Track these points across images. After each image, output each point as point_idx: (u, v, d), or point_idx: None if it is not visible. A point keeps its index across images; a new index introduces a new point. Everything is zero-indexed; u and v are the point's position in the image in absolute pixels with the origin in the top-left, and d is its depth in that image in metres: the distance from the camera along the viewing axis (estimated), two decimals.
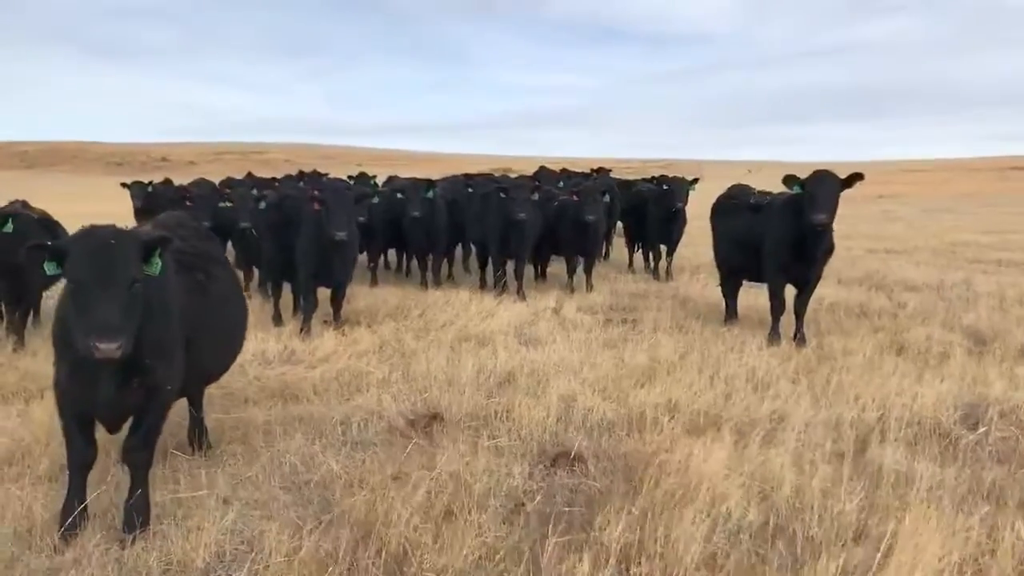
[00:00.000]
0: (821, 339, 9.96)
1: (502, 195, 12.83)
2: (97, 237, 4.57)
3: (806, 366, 8.68)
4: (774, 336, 9.85)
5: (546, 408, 7.13)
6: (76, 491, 5.20)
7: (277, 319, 11.51)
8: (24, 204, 11.08)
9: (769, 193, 10.76)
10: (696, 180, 15.17)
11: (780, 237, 9.69)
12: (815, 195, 9.16)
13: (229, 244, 13.80)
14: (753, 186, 11.55)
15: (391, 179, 21.33)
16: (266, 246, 11.77)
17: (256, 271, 14.00)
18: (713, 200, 11.83)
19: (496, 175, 22.94)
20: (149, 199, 18.69)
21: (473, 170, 25.74)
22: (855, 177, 9.26)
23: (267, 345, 9.64)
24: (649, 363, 8.55)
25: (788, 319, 10.16)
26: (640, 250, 17.23)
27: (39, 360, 9.12)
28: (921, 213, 36.12)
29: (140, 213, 18.70)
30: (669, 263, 15.65)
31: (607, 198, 13.92)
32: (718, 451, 5.84)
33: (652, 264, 16.04)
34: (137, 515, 5.10)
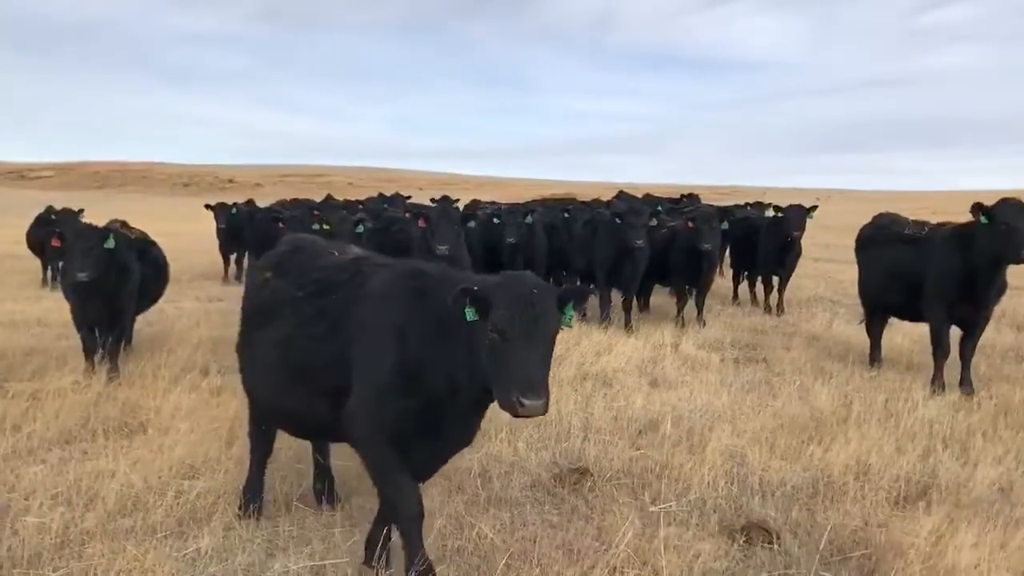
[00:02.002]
0: (989, 387, 8.91)
1: (617, 220, 11.99)
2: (526, 286, 4.15)
3: (992, 420, 7.63)
4: (938, 383, 8.81)
5: (711, 467, 6.24)
6: None
7: None
8: (123, 224, 10.58)
9: (924, 223, 9.76)
10: (815, 207, 14.14)
11: (946, 273, 8.68)
12: (1014, 227, 8.10)
13: None
14: (903, 215, 10.51)
15: (473, 203, 20.73)
16: None
17: None
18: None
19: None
20: (233, 220, 18.32)
21: (535, 195, 24.97)
22: None
23: None
24: (810, 414, 7.60)
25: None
26: (745, 281, 16.18)
27: (137, 390, 8.55)
28: None
29: (224, 234, 18.35)
30: (781, 296, 14.59)
31: (724, 225, 13.00)
32: (963, 534, 4.86)
33: (764, 297, 14.92)
34: None
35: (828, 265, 21.94)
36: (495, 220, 13.22)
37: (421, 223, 9.64)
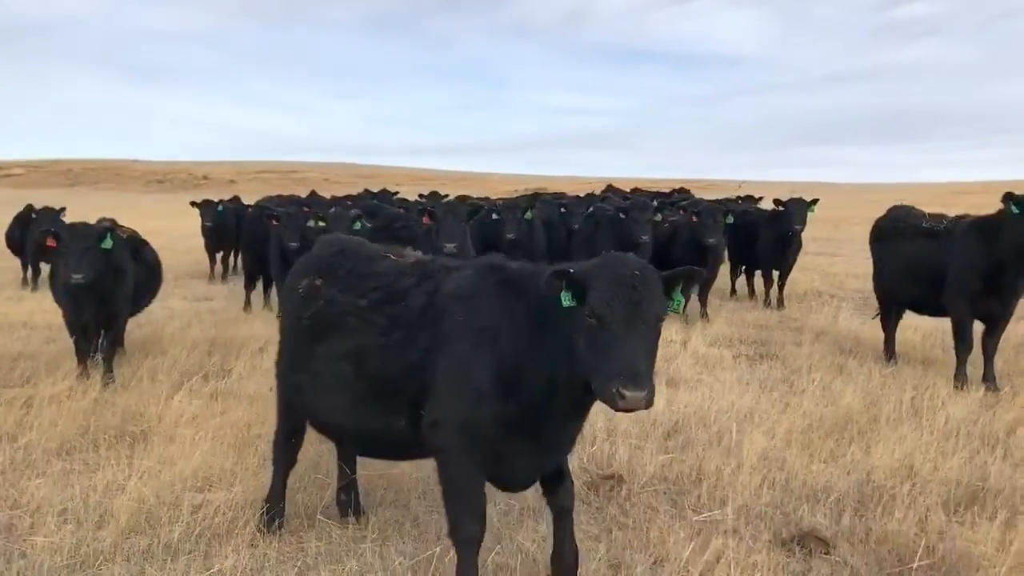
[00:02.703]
0: (1011, 381, 8.76)
1: (621, 215, 11.73)
2: (627, 266, 3.84)
3: None
4: (961, 379, 8.63)
5: (749, 471, 6.00)
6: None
7: None
8: (112, 222, 10.17)
9: (942, 215, 9.57)
10: (816, 200, 13.95)
11: (970, 266, 8.50)
12: None
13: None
14: (918, 207, 10.32)
15: (461, 199, 20.47)
16: None
17: None
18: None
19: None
20: (220, 218, 17.91)
21: (508, 190, 24.69)
22: None
23: None
24: (839, 412, 7.38)
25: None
26: (743, 275, 15.99)
27: (136, 396, 8.20)
28: None
29: (210, 232, 17.92)
30: (781, 291, 14.40)
31: (729, 219, 12.77)
32: None
33: (764, 291, 14.73)
34: None
35: (818, 258, 21.82)
36: (494, 216, 12.90)
37: (426, 220, 9.33)
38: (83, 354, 9.08)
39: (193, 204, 18.41)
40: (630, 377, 3.56)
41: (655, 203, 16.28)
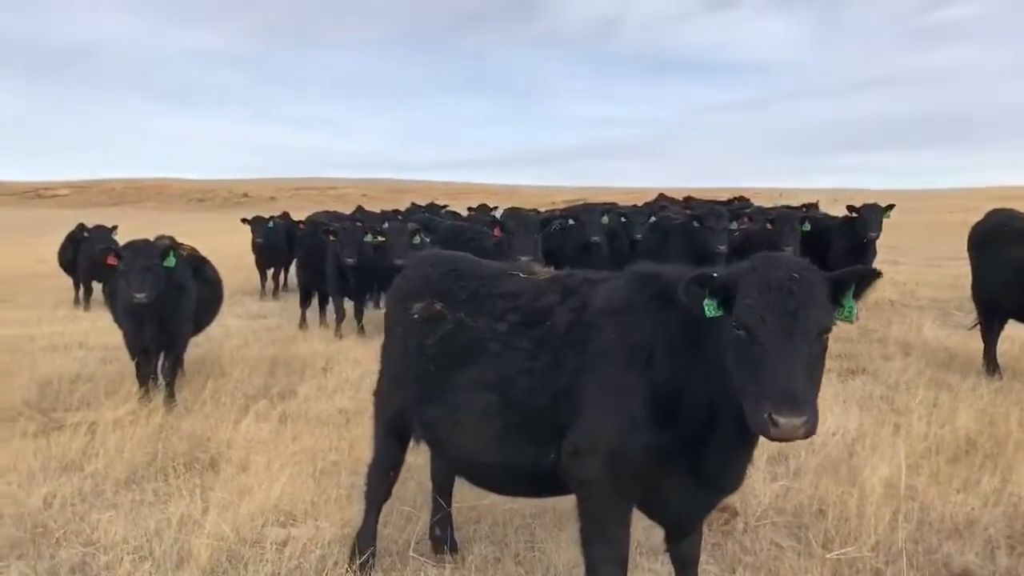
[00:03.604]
0: None
1: (695, 224, 11.22)
2: (782, 269, 3.31)
3: None
4: None
5: (876, 502, 5.45)
6: None
7: None
8: (171, 240, 9.88)
9: None
10: (892, 206, 13.33)
11: None
12: None
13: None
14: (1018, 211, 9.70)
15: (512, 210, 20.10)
16: None
17: None
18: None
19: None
20: (271, 235, 17.69)
21: (547, 201, 24.26)
22: None
23: None
24: (959, 435, 6.82)
25: None
26: None
27: (201, 420, 7.86)
28: None
29: (261, 249, 17.71)
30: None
31: (807, 227, 12.20)
32: None
33: None
34: None
35: (882, 266, 21.00)
36: (563, 224, 12.44)
37: (496, 232, 8.88)
38: (144, 376, 8.77)
39: (244, 221, 18.21)
40: (784, 400, 3.06)
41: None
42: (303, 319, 14.14)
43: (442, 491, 5.24)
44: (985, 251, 9.44)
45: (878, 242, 13.69)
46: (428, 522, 5.32)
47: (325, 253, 12.74)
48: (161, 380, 8.95)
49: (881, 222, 13.15)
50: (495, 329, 4.23)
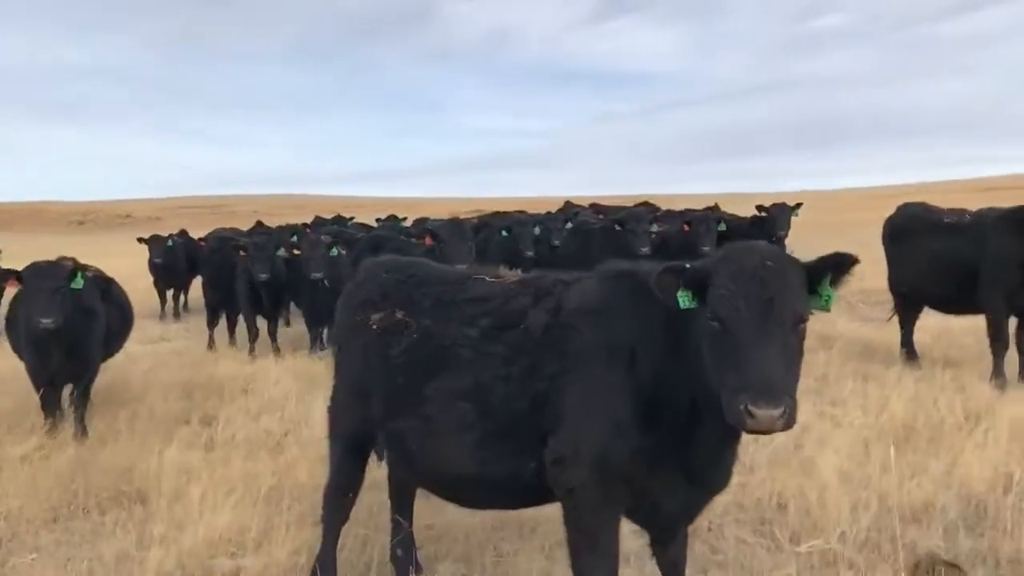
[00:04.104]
0: None
1: (617, 227, 11.24)
2: (755, 257, 3.22)
3: None
4: (998, 378, 8.31)
5: (834, 492, 5.48)
6: None
7: None
8: (73, 260, 9.25)
9: (964, 210, 9.31)
10: (799, 205, 13.70)
11: (1007, 259, 8.18)
12: None
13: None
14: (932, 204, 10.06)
15: (421, 220, 19.95)
16: None
17: (325, 332, 12.19)
18: None
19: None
20: (170, 254, 16.95)
21: (447, 212, 24.22)
22: None
23: None
24: (896, 423, 6.97)
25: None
26: None
27: (121, 451, 7.34)
28: None
29: (159, 269, 16.95)
30: None
31: (722, 227, 12.39)
32: None
33: None
34: None
35: None
36: (503, 233, 12.28)
37: (428, 241, 8.67)
38: (51, 408, 8.15)
39: (140, 240, 17.40)
40: (761, 391, 2.97)
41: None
42: (211, 340, 13.54)
43: (401, 509, 5.00)
44: (901, 243, 9.76)
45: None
46: (388, 544, 5.06)
47: (234, 270, 12.23)
48: (68, 411, 8.33)
49: (789, 221, 13.49)
50: (466, 335, 4.04)
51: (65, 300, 7.56)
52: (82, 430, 8.04)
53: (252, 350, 12.25)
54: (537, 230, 11.96)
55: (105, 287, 8.89)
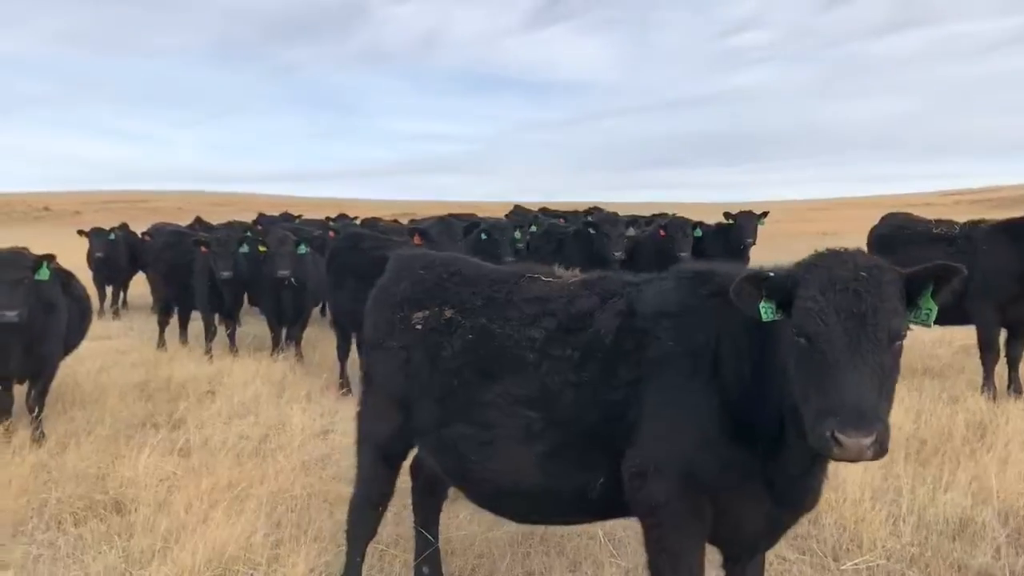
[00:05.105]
0: None
1: (591, 231, 11.01)
2: (849, 266, 2.93)
3: None
4: (989, 388, 8.32)
5: (868, 505, 5.32)
6: None
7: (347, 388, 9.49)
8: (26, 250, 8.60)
9: (952, 222, 9.33)
10: (766, 213, 13.67)
11: (998, 271, 8.20)
12: None
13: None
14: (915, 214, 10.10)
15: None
16: (344, 296, 9.41)
17: (285, 332, 11.66)
18: None
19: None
20: (112, 248, 16.15)
21: (371, 215, 23.82)
22: None
23: None
24: (901, 434, 6.84)
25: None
26: None
27: (86, 457, 6.82)
28: None
29: (101, 264, 16.13)
30: None
31: (697, 232, 12.25)
32: None
33: None
34: None
35: None
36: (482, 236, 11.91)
37: (417, 240, 8.27)
38: (5, 410, 7.55)
39: (81, 233, 16.51)
40: (850, 416, 2.71)
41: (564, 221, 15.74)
42: (162, 339, 12.86)
43: (427, 523, 4.64)
44: (888, 253, 9.65)
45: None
46: (411, 561, 4.70)
47: (191, 266, 11.62)
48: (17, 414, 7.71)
49: (756, 229, 13.42)
50: (529, 337, 3.73)
51: (29, 293, 7.00)
52: (40, 434, 7.46)
53: (209, 350, 11.66)
54: (517, 234, 11.66)
55: (65, 280, 8.27)
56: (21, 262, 7.02)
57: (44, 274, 7.13)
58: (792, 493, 3.38)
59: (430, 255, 4.53)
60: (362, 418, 4.37)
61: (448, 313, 3.98)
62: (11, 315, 6.79)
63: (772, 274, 3.10)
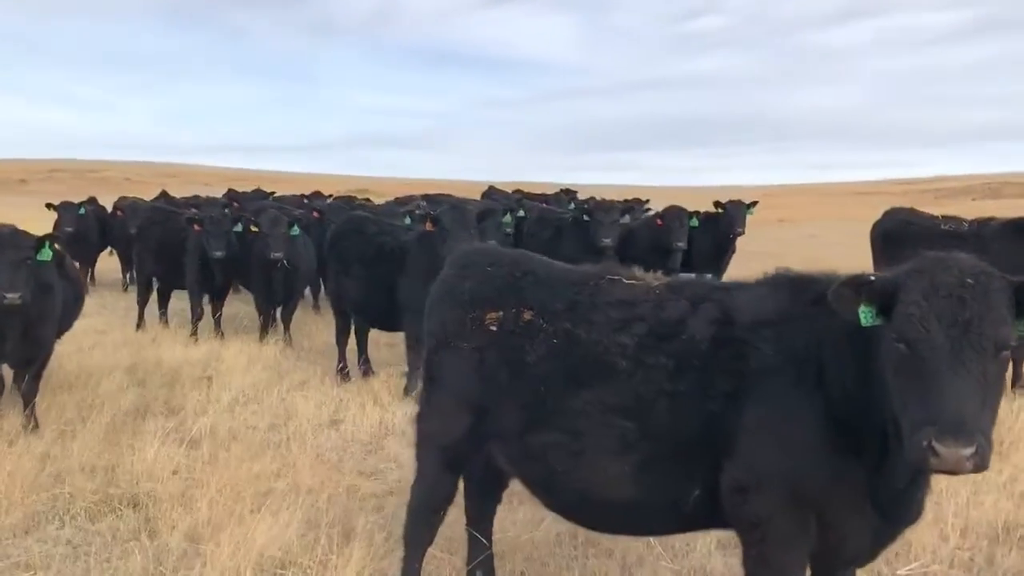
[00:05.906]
0: None
1: (585, 218, 10.89)
2: (953, 271, 2.83)
3: None
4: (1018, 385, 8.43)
5: None
6: None
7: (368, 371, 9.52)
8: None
9: (960, 218, 9.37)
10: (755, 203, 13.66)
11: (1011, 269, 8.22)
12: None
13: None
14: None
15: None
16: (348, 283, 9.14)
17: (275, 319, 11.37)
18: None
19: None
20: (83, 222, 15.65)
21: (327, 190, 23.45)
22: None
23: None
24: None
25: None
26: None
27: (93, 446, 6.56)
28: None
29: (71, 239, 15.56)
30: None
31: (695, 222, 12.19)
32: None
33: None
34: None
35: None
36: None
37: (429, 226, 8.03)
38: None
39: (50, 207, 15.93)
40: (949, 426, 2.63)
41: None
42: (141, 319, 12.46)
43: (479, 525, 4.49)
44: (893, 249, 9.73)
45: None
46: (461, 565, 4.57)
47: (182, 244, 11.27)
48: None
49: (745, 218, 13.41)
50: (620, 343, 3.59)
51: (31, 274, 6.70)
52: (34, 421, 7.15)
53: (194, 332, 11.33)
54: (508, 218, 11.49)
55: (59, 260, 7.91)
56: (23, 242, 6.69)
57: (46, 255, 6.81)
58: (897, 505, 3.30)
59: (495, 250, 4.39)
60: (425, 419, 4.20)
61: (527, 315, 3.82)
62: (13, 296, 6.47)
63: (873, 278, 3.01)
